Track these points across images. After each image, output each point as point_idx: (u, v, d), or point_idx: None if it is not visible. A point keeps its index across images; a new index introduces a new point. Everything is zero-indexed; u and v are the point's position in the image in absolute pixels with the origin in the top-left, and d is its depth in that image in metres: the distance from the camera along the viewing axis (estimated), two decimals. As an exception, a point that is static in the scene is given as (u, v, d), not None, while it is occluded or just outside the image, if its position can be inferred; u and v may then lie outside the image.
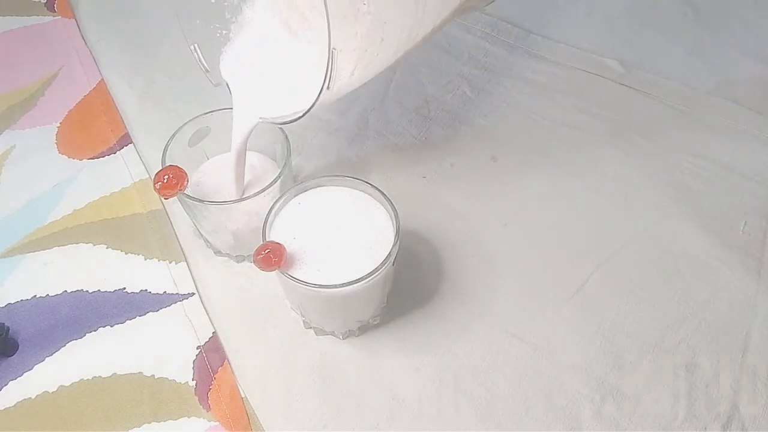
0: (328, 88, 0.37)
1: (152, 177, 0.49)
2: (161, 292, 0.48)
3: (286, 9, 0.44)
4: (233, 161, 0.44)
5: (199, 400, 0.43)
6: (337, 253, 0.40)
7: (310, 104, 0.38)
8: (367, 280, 0.38)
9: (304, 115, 0.39)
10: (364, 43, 0.38)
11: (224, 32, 0.45)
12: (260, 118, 0.43)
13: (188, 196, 0.43)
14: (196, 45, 0.44)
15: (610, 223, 0.52)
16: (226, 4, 0.45)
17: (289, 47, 0.44)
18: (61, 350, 0.45)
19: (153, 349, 0.45)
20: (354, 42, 0.37)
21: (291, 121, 0.41)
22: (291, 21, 0.44)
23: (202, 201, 0.43)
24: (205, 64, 0.45)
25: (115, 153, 0.56)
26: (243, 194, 0.45)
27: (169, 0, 0.43)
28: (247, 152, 0.45)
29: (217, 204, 0.43)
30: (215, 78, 0.45)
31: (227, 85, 0.45)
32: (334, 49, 0.34)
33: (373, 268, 0.39)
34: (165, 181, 0.42)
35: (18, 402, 0.43)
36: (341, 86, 0.39)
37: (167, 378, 0.44)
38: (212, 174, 0.47)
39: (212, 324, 0.46)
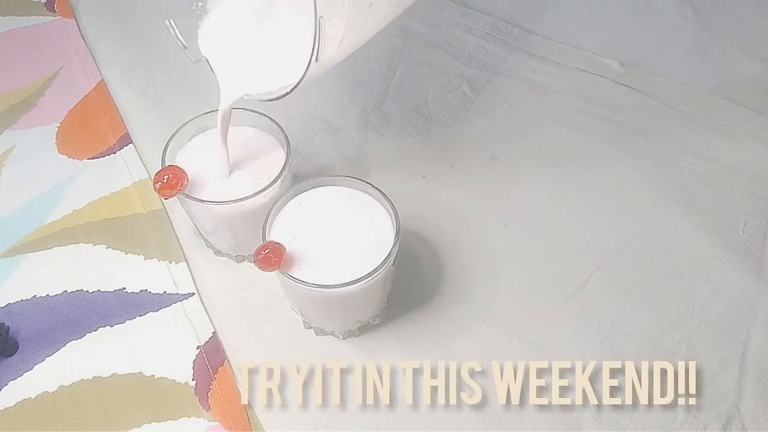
0: (316, 59, 0.35)
1: (152, 177, 0.49)
2: (161, 292, 0.48)
3: None
4: (219, 136, 0.43)
5: (199, 400, 0.43)
6: (337, 253, 0.40)
7: (299, 77, 0.37)
8: (367, 280, 0.38)
9: (293, 89, 0.38)
10: (353, 10, 0.36)
11: (200, 4, 0.43)
12: (245, 95, 0.42)
13: (188, 196, 0.43)
14: (171, 21, 0.42)
15: (610, 223, 0.52)
16: None
17: (266, 23, 0.43)
18: (61, 350, 0.45)
19: (153, 349, 0.45)
20: (342, 9, 0.35)
21: (279, 97, 0.40)
22: (260, 9, 0.43)
23: (202, 201, 0.43)
24: (183, 41, 0.43)
25: (115, 153, 0.56)
26: (230, 172, 0.45)
27: None
28: (244, 127, 0.45)
29: (218, 204, 0.43)
30: (194, 54, 0.44)
31: (207, 61, 0.43)
32: (321, 17, 0.33)
33: (373, 268, 0.39)
34: (165, 181, 0.42)
35: (18, 402, 0.43)
36: (331, 56, 0.38)
37: (167, 378, 0.44)
38: (196, 155, 0.46)
39: (212, 324, 0.46)
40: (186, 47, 0.43)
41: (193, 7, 0.43)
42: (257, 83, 0.42)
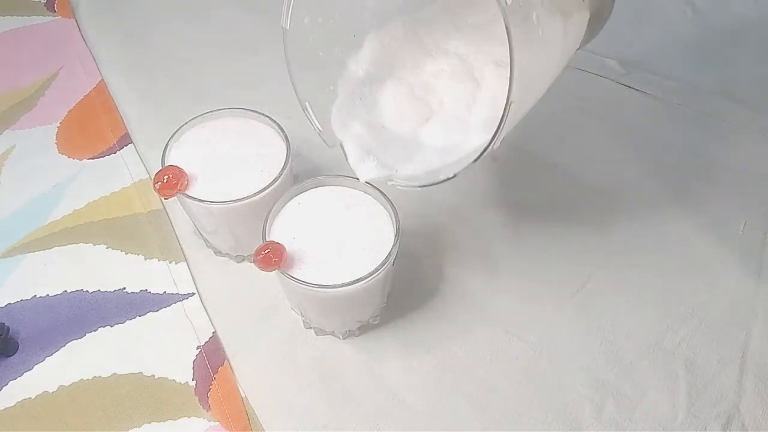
0: (498, 146, 0.34)
1: (152, 177, 0.49)
2: (161, 292, 0.48)
3: (410, 75, 0.43)
4: None
5: (199, 400, 0.43)
6: (337, 253, 0.40)
7: (465, 163, 0.36)
8: (367, 280, 0.38)
9: (453, 177, 0.37)
10: (524, 101, 0.36)
11: (331, 88, 0.43)
12: (389, 182, 0.41)
13: (188, 196, 0.43)
14: (307, 103, 0.42)
15: (610, 223, 0.52)
16: (332, 57, 0.43)
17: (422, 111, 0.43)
18: (61, 350, 0.45)
19: (153, 349, 0.45)
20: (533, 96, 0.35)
21: (431, 184, 0.38)
22: (415, 87, 0.43)
23: (201, 201, 0.43)
24: (318, 125, 0.43)
25: (115, 153, 0.56)
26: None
27: (285, 56, 0.40)
28: (245, 120, 0.46)
29: (217, 204, 0.43)
30: (330, 139, 0.43)
31: (341, 146, 0.42)
32: (512, 102, 0.32)
33: (373, 268, 0.39)
34: (165, 181, 0.42)
35: (18, 402, 0.43)
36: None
37: (167, 378, 0.44)
38: (193, 149, 0.46)
39: (212, 324, 0.46)
40: (321, 131, 0.43)
41: (326, 91, 0.43)
42: (401, 168, 0.41)
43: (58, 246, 0.50)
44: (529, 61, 0.33)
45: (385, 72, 0.44)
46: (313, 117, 0.42)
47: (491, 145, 0.34)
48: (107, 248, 0.50)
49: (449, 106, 0.43)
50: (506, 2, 0.31)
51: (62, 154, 0.57)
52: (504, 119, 0.33)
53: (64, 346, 0.45)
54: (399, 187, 0.41)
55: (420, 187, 0.39)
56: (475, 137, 0.40)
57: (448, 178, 0.37)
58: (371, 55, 0.44)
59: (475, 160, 0.35)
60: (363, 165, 0.42)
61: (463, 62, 0.43)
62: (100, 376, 0.44)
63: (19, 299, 0.48)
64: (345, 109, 0.43)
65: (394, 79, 0.44)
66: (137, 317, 0.47)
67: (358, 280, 0.38)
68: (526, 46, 0.32)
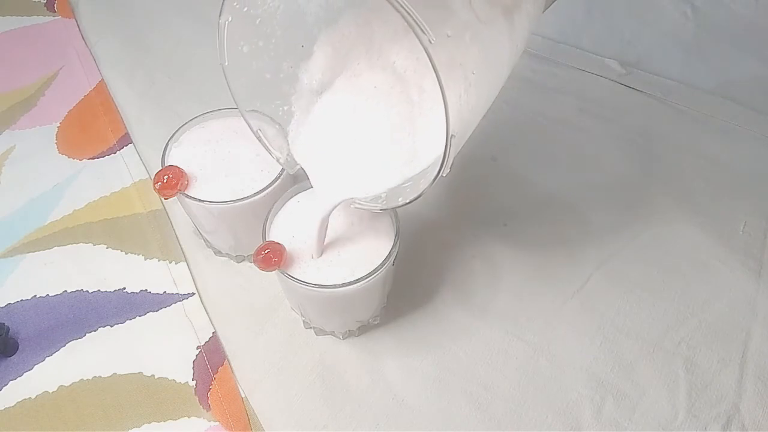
0: (444, 175, 0.33)
1: (152, 177, 0.49)
2: (161, 292, 0.48)
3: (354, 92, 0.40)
4: (315, 228, 0.40)
5: (199, 400, 0.43)
6: (337, 253, 0.40)
7: (419, 191, 0.35)
8: (367, 280, 0.38)
9: (416, 198, 0.35)
10: (475, 116, 0.35)
11: (286, 108, 0.40)
12: (353, 205, 0.39)
13: (188, 196, 0.43)
14: (260, 132, 0.40)
15: (610, 223, 0.52)
16: (281, 75, 0.40)
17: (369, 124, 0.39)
18: (61, 350, 0.45)
19: (153, 349, 0.45)
20: (464, 116, 0.33)
21: (391, 208, 0.38)
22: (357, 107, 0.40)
23: (201, 201, 0.43)
24: (277, 153, 0.41)
25: (115, 153, 0.56)
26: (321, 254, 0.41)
27: (229, 85, 0.38)
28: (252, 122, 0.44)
29: (217, 204, 0.43)
30: (291, 165, 0.41)
31: (303, 169, 0.40)
32: (453, 136, 0.31)
33: (373, 268, 0.39)
34: (165, 181, 0.42)
35: (18, 402, 0.43)
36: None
37: (167, 378, 0.44)
38: (193, 150, 0.45)
39: (212, 324, 0.46)
40: (279, 159, 0.41)
41: (280, 112, 0.40)
42: (360, 188, 0.39)
43: (58, 246, 0.50)
44: (467, 89, 0.32)
45: (336, 78, 0.40)
46: (269, 145, 0.41)
47: (440, 173, 0.33)
48: (107, 248, 0.50)
49: (386, 128, 0.39)
50: (430, 41, 0.28)
51: (62, 154, 0.57)
52: (447, 152, 0.31)
53: (64, 346, 0.45)
54: (362, 208, 0.39)
55: (381, 210, 0.39)
56: (427, 151, 0.37)
57: (406, 203, 0.36)
58: (323, 62, 0.40)
59: (431, 183, 0.34)
60: (324, 186, 0.39)
61: (400, 80, 0.38)
62: (100, 376, 0.44)
63: (19, 299, 0.47)
64: (302, 127, 0.41)
65: (336, 90, 0.40)
66: (137, 317, 0.47)
67: (358, 280, 0.38)
68: (461, 77, 0.31)
